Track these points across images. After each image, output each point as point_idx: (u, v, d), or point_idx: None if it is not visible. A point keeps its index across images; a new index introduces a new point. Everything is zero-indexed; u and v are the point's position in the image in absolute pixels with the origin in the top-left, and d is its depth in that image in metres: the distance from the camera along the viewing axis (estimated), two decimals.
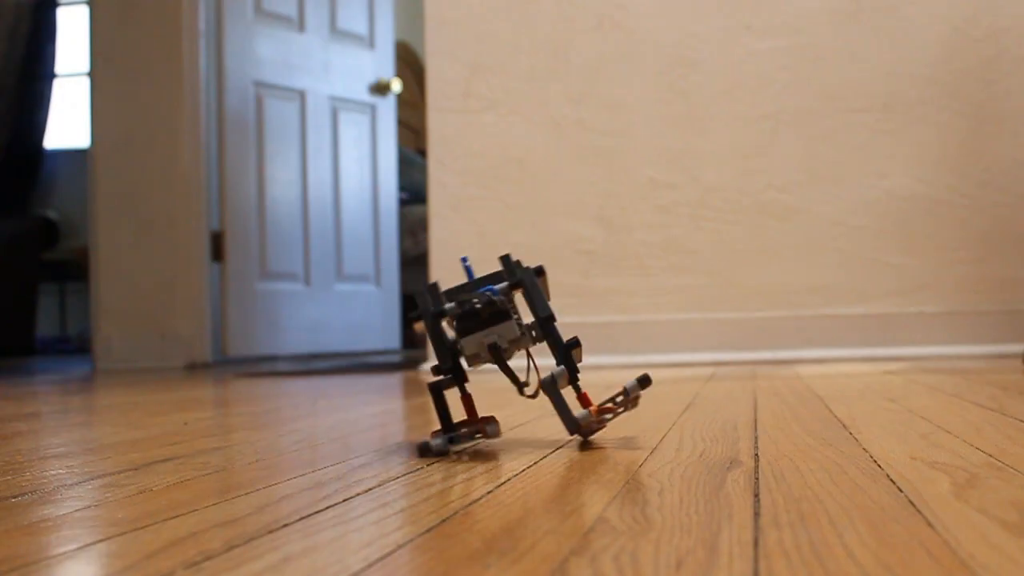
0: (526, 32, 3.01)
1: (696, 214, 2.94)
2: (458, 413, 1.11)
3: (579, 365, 1.07)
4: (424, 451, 1.04)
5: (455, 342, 1.06)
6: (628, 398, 1.08)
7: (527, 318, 1.30)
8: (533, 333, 1.08)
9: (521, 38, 3.01)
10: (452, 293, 1.10)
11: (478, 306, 1.05)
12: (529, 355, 1.10)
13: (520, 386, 1.05)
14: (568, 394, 1.17)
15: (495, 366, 1.06)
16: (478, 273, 2.84)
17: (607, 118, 2.97)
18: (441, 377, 1.06)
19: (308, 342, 4.37)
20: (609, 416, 1.08)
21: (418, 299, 1.10)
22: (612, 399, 1.08)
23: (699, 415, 1.34)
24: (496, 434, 1.06)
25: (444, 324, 1.08)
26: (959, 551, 0.56)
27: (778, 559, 0.55)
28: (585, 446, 1.07)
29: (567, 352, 1.06)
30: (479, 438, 1.07)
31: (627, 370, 2.62)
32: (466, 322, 1.05)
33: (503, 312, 1.05)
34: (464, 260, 1.12)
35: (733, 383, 1.98)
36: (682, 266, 2.94)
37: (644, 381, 1.08)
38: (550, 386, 1.05)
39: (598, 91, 2.98)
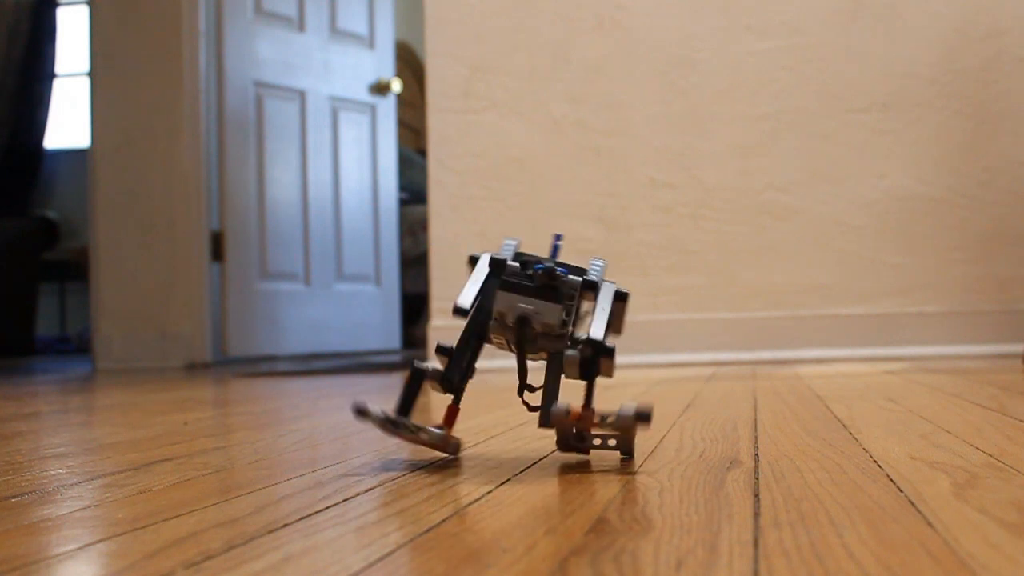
0: (526, 32, 3.01)
1: (696, 214, 2.94)
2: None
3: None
4: (360, 412, 0.93)
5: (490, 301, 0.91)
6: (618, 424, 0.91)
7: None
8: (570, 342, 0.90)
9: (521, 38, 3.01)
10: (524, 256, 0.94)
11: (539, 269, 0.89)
12: (549, 357, 0.92)
13: (523, 387, 0.93)
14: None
15: (504, 353, 0.92)
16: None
17: (607, 118, 2.97)
18: (429, 366, 0.93)
19: (308, 342, 4.37)
20: (593, 441, 0.93)
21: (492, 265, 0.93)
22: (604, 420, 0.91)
23: (699, 415, 1.34)
24: (453, 451, 0.96)
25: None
26: (959, 551, 0.56)
27: (778, 559, 0.55)
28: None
29: (596, 360, 0.89)
30: (424, 439, 0.93)
31: (627, 370, 2.62)
32: (513, 280, 0.90)
33: (556, 291, 0.89)
34: (558, 237, 0.95)
35: (733, 383, 1.98)
36: (682, 266, 2.94)
37: (642, 417, 0.90)
38: (560, 368, 0.90)
39: (598, 91, 2.98)
